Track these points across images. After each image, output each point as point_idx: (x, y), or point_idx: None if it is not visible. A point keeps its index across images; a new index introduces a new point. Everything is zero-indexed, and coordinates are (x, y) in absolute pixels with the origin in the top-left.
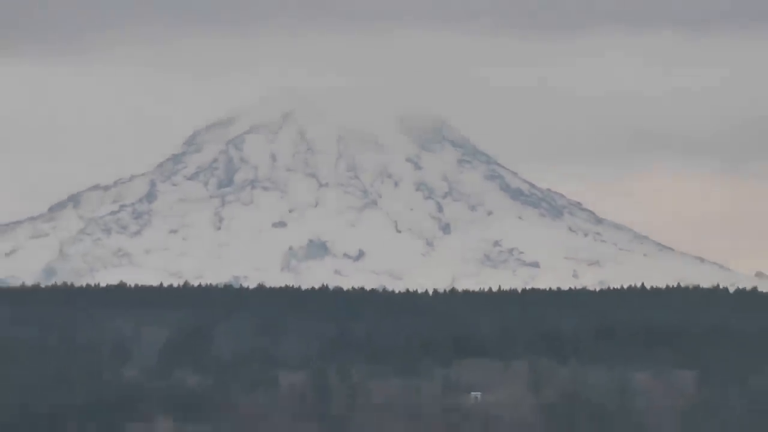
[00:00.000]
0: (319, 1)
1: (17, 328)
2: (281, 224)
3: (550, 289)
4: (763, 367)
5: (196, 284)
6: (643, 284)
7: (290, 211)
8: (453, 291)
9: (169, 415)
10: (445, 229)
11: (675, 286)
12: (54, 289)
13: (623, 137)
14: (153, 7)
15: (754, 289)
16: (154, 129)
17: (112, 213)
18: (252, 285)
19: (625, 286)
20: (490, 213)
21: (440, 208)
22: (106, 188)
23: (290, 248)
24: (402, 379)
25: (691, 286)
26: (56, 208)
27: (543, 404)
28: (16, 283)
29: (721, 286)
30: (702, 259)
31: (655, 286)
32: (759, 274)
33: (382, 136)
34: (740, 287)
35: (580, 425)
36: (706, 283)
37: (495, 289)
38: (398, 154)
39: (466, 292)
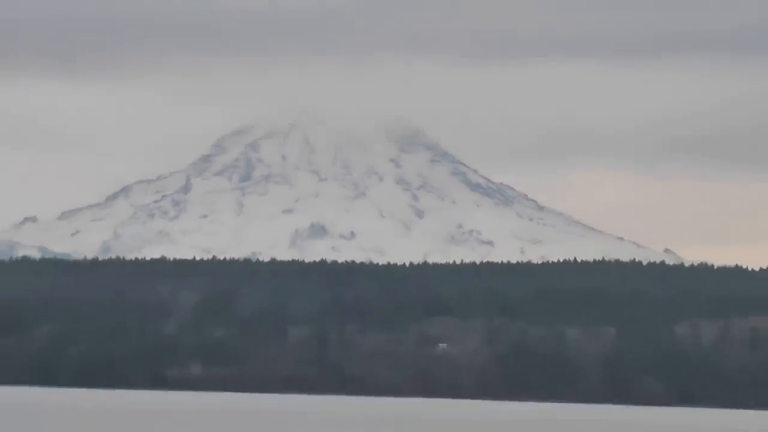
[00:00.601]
0: (320, 36)
1: (80, 292)
2: (289, 211)
3: (501, 262)
4: (669, 323)
5: (221, 258)
6: (575, 258)
7: (296, 201)
8: (425, 264)
9: (200, 361)
10: (419, 214)
11: (600, 260)
12: (109, 262)
13: (562, 143)
14: (189, 41)
15: (663, 263)
16: (188, 135)
17: (155, 202)
18: (266, 259)
19: (561, 260)
20: (454, 202)
21: (415, 198)
22: (151, 182)
23: (296, 230)
24: (384, 332)
25: (612, 260)
26: (111, 198)
27: (496, 353)
28: (79, 257)
29: (636, 260)
30: (622, 239)
31: (584, 260)
32: (667, 251)
33: (369, 141)
34: (652, 261)
35: (525, 370)
36: (625, 258)
37: (458, 262)
38: (382, 156)
39: (435, 265)
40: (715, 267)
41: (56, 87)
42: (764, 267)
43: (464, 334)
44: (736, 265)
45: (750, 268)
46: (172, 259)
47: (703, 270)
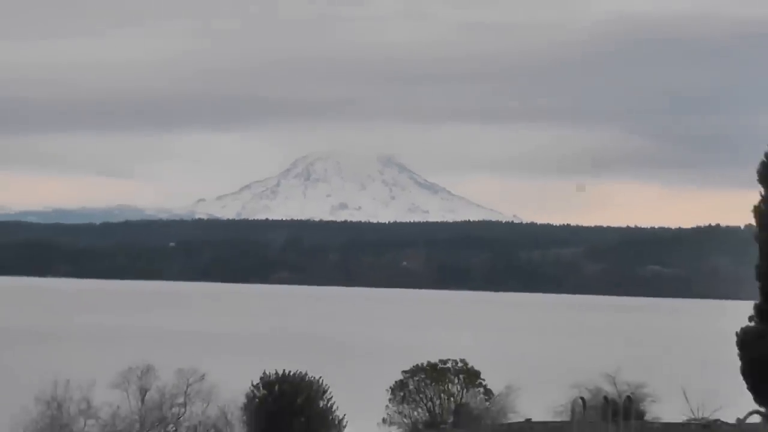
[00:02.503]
0: (346, 112)
1: (228, 234)
2: (329, 195)
3: (434, 222)
4: (517, 251)
5: (296, 219)
6: (469, 220)
7: (331, 190)
8: (395, 222)
9: (286, 269)
10: (393, 197)
11: (482, 220)
12: (240, 221)
13: (464, 162)
14: (284, 111)
15: (511, 222)
16: (279, 159)
17: (262, 191)
18: (316, 220)
19: (463, 220)
20: (410, 192)
21: (391, 190)
22: (261, 181)
23: (332, 205)
24: (377, 257)
25: (487, 220)
26: (242, 188)
27: (433, 265)
28: (225, 218)
29: (499, 220)
30: (492, 210)
31: (474, 220)
32: (515, 215)
33: (368, 162)
34: (507, 221)
35: (445, 275)
36: (494, 219)
37: (411, 221)
38: (375, 169)
39: (400, 223)
40: (538, 223)
41: (213, 134)
42: (561, 224)
43: (416, 256)
44: (548, 223)
45: (556, 224)
46: (271, 219)
47: (532, 225)
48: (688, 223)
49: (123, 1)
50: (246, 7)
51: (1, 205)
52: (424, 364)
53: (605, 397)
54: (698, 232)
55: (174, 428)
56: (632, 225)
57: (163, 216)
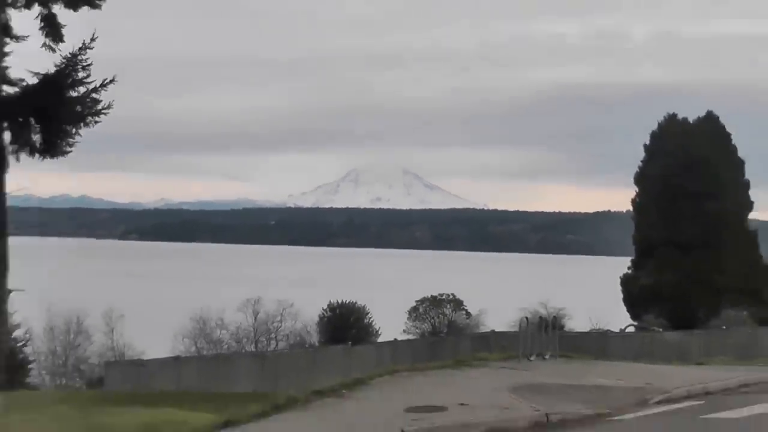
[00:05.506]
0: (382, 140)
1: (307, 218)
2: (369, 193)
3: (431, 209)
4: (485, 227)
5: (350, 207)
6: (454, 207)
7: (370, 189)
8: (410, 210)
9: (345, 237)
10: (410, 193)
11: (462, 208)
12: (317, 209)
13: (455, 173)
14: (346, 142)
15: (483, 209)
16: (339, 170)
17: (328, 190)
18: (362, 208)
19: (452, 207)
20: (418, 188)
21: (408, 189)
22: (326, 185)
23: (371, 199)
24: (400, 229)
25: (463, 208)
26: (313, 190)
27: (431, 234)
28: (303, 207)
29: (475, 208)
30: (467, 200)
31: (456, 208)
32: (485, 204)
33: (393, 172)
34: (480, 208)
35: (433, 241)
36: (468, 206)
37: (418, 208)
38: (398, 176)
39: (414, 210)
40: (499, 209)
41: (298, 154)
42: (513, 210)
43: (424, 230)
44: (505, 209)
45: (511, 210)
46: (334, 207)
47: (495, 210)
48: (591, 209)
49: (250, 72)
50: (317, 76)
51: (167, 198)
52: (428, 296)
53: (540, 317)
54: (598, 215)
55: (274, 336)
56: (557, 210)
57: (267, 205)
